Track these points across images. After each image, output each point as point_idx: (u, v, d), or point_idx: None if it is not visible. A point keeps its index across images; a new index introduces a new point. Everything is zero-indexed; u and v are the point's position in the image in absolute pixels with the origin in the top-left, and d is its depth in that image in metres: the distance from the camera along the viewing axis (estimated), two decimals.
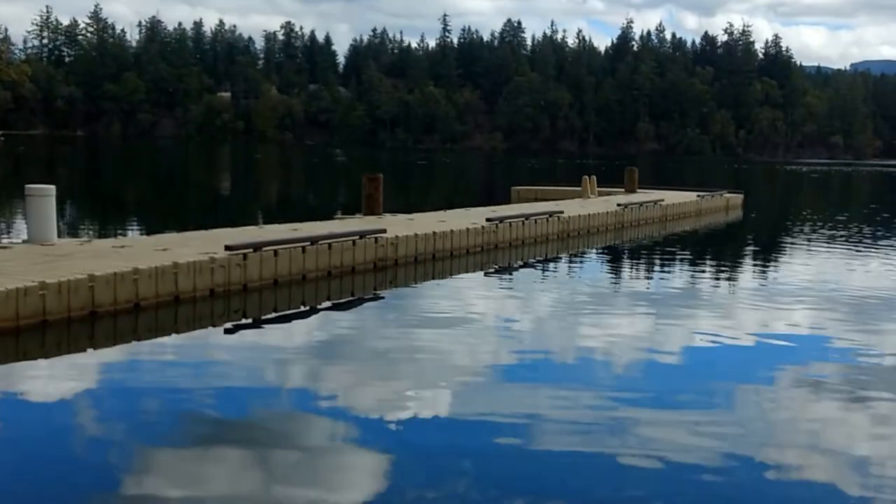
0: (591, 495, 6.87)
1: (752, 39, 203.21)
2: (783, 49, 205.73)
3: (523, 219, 22.38)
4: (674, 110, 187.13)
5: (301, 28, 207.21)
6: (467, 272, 18.18)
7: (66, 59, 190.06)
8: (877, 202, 53.07)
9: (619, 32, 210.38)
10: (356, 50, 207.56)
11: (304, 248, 15.67)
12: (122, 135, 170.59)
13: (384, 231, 17.76)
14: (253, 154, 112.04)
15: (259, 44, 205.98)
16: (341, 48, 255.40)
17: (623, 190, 36.63)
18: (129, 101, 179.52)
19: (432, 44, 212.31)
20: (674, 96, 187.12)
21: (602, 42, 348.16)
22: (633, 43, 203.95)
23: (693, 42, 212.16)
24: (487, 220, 21.17)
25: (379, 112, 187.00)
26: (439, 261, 18.90)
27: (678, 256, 22.37)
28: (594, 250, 23.09)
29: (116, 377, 9.91)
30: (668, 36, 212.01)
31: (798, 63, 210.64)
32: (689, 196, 34.33)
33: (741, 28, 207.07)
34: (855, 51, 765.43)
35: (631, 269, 20.28)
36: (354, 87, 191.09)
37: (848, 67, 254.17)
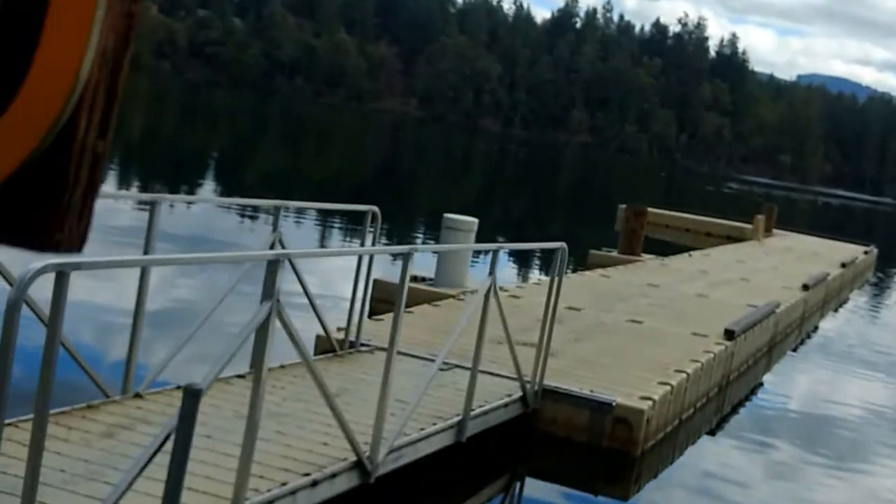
0: None
1: (706, 35, 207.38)
2: (739, 51, 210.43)
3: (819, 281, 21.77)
4: (613, 102, 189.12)
5: None
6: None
7: None
8: None
9: (560, 4, 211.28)
10: None
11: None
12: None
13: (779, 305, 16.91)
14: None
15: None
16: None
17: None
18: None
19: None
20: (615, 86, 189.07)
21: (540, 13, 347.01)
22: (576, 20, 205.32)
23: (642, 28, 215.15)
24: (805, 286, 20.41)
25: (278, 53, 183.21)
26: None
27: None
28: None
29: None
30: (616, 17, 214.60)
31: (752, 69, 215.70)
32: (855, 249, 34.23)
33: (696, 20, 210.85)
34: (804, 61, 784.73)
35: None
36: (252, 21, 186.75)
37: (794, 78, 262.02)
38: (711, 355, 12.01)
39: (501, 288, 14.71)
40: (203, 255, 7.26)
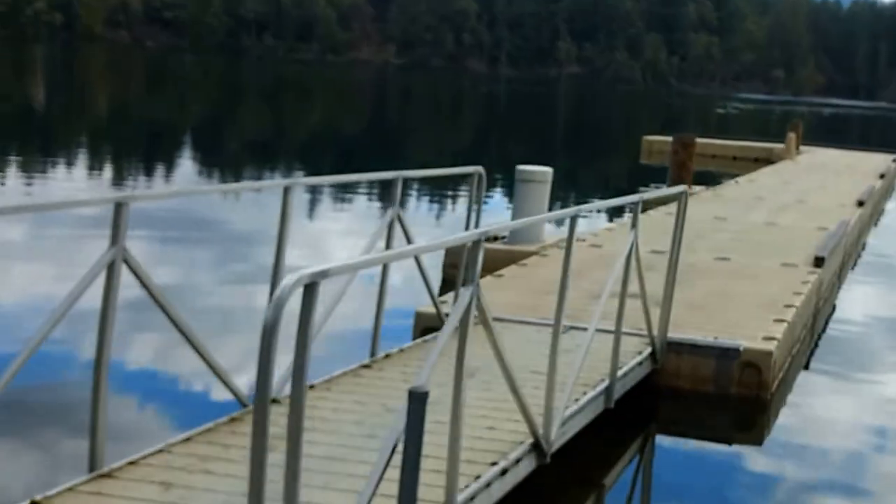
0: None
1: None
2: None
3: None
4: (599, 30, 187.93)
5: None
6: None
7: None
8: None
9: None
10: None
11: None
12: None
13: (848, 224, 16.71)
14: (73, 56, 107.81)
15: None
16: None
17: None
18: None
19: None
20: (599, 13, 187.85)
21: None
22: None
23: None
24: (860, 202, 20.19)
25: (241, 11, 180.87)
26: None
27: None
28: None
29: None
30: None
31: None
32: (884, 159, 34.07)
33: None
34: None
35: None
36: None
37: None
38: (809, 285, 11.74)
39: (579, 238, 14.47)
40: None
